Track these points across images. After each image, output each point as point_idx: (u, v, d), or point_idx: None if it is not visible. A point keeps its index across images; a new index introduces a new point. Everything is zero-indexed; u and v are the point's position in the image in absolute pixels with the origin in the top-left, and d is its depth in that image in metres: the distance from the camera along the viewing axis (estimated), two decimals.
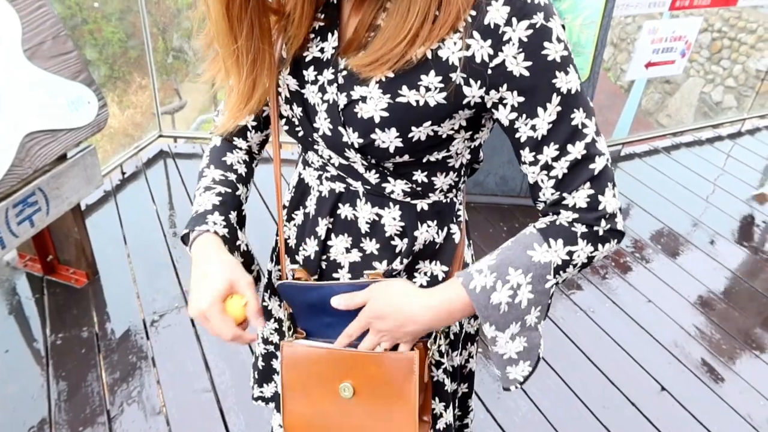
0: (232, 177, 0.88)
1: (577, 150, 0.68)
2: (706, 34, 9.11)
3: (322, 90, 0.73)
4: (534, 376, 0.81)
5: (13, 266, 2.37)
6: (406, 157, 0.72)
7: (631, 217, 3.11)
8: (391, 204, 0.79)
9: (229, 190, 0.86)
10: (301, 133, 0.79)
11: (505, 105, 0.67)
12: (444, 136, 0.71)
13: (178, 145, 3.27)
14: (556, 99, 0.65)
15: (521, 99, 0.66)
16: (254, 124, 0.89)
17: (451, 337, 0.91)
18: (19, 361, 2.01)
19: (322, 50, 0.73)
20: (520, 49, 0.63)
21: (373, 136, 0.70)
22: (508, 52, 0.63)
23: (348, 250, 0.83)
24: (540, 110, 0.66)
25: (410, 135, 0.69)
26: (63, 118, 1.96)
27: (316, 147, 0.79)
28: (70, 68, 2.03)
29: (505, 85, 0.66)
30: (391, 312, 0.74)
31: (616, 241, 0.72)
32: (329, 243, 0.84)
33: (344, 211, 0.82)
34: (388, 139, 0.69)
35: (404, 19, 0.63)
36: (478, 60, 0.64)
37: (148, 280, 2.37)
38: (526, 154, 0.70)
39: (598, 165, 0.69)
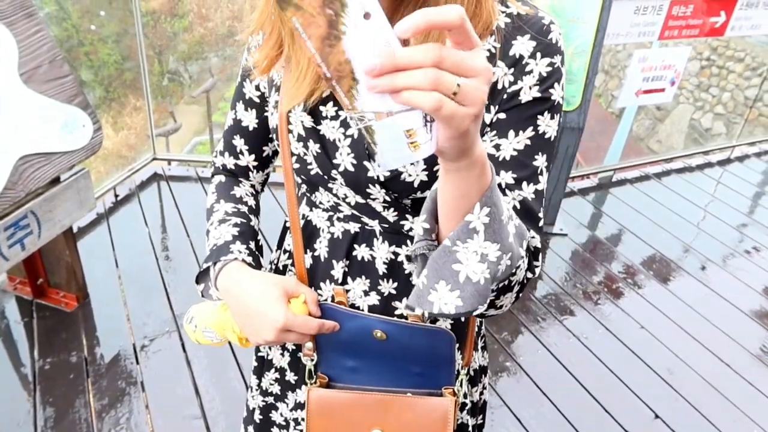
0: (244, 209, 0.87)
1: (527, 191, 0.68)
2: (695, 62, 9.27)
3: (345, 125, 0.72)
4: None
5: (3, 289, 2.35)
6: (427, 193, 0.71)
7: (623, 242, 3.12)
8: (408, 241, 0.77)
9: (244, 221, 0.85)
10: (314, 171, 0.76)
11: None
12: None
13: (172, 167, 3.27)
14: (530, 132, 0.67)
15: (503, 116, 0.68)
16: (255, 163, 0.89)
17: (471, 373, 0.89)
18: (5, 386, 1.98)
19: None
20: (537, 82, 0.67)
21: (400, 169, 0.69)
22: (527, 82, 0.67)
23: (366, 293, 0.80)
24: (511, 133, 0.67)
25: (435, 168, 0.69)
26: (57, 141, 1.96)
27: (330, 185, 0.76)
28: (66, 92, 2.04)
29: (507, 107, 0.68)
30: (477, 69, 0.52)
31: (529, 273, 0.69)
32: (346, 287, 0.81)
33: (360, 252, 0.79)
34: (415, 172, 0.69)
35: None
36: (499, 86, 0.67)
37: (139, 304, 2.35)
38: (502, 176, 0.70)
39: (541, 218, 0.70)
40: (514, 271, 0.61)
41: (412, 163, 0.68)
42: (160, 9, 17.90)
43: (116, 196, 2.98)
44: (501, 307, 0.66)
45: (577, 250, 3.00)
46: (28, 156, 1.86)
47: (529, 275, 0.67)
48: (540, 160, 0.68)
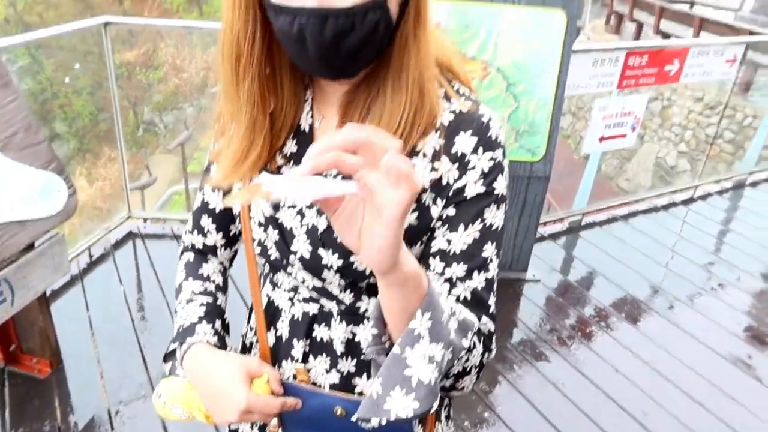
0: (211, 287, 0.90)
1: (478, 280, 0.73)
2: (657, 102, 9.63)
3: (301, 214, 0.77)
4: None
5: None
6: None
7: (595, 285, 3.19)
8: (365, 322, 0.81)
9: (211, 300, 0.88)
10: (274, 256, 0.81)
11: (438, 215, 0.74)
12: (416, 256, 0.75)
13: (147, 226, 3.28)
14: (478, 225, 0.73)
15: (453, 212, 0.73)
16: (223, 242, 0.93)
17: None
18: None
19: None
20: (480, 177, 0.72)
21: (352, 258, 0.74)
22: (471, 177, 0.72)
23: (327, 371, 0.83)
24: (461, 227, 0.73)
25: None
26: (32, 207, 1.98)
27: (289, 269, 0.80)
28: (41, 158, 2.07)
29: (454, 202, 0.73)
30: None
31: (486, 354, 0.73)
32: (308, 366, 0.84)
33: (320, 332, 0.83)
34: None
35: (387, 130, 0.69)
36: (444, 182, 0.72)
37: (114, 367, 2.33)
38: (436, 264, 0.74)
39: (492, 304, 0.75)
40: (466, 358, 0.66)
41: None
42: (135, 61, 18.08)
43: (91, 256, 2.97)
44: (463, 388, 0.71)
45: (550, 296, 3.06)
46: (2, 224, 1.87)
47: (487, 357, 0.72)
48: (489, 250, 0.73)
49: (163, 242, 3.16)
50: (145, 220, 3.32)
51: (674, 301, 3.10)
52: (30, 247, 1.98)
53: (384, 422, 0.61)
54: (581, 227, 3.76)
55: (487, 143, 0.72)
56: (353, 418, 0.62)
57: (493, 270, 0.75)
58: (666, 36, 10.44)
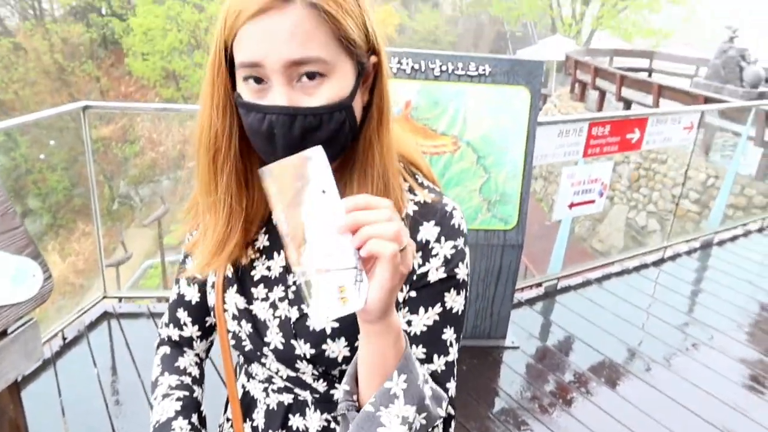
0: (188, 380, 0.91)
1: (438, 363, 0.76)
2: (624, 165, 9.97)
3: (274, 306, 0.80)
4: None
5: None
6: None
7: (573, 350, 3.21)
8: None
9: (187, 394, 0.89)
10: (248, 348, 0.83)
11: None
12: None
13: (123, 304, 3.24)
14: (438, 308, 0.76)
15: (413, 294, 0.76)
16: (199, 333, 0.95)
17: None
18: None
19: (269, 268, 0.81)
20: (442, 264, 0.76)
21: (324, 346, 0.76)
22: (434, 264, 0.76)
23: None
24: (422, 309, 0.76)
25: (356, 344, 0.76)
26: (6, 293, 1.96)
27: (263, 360, 0.82)
28: (16, 243, 2.07)
29: (417, 287, 0.77)
30: None
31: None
32: None
33: (295, 422, 0.84)
34: (337, 348, 0.76)
35: None
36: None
37: None
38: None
39: (451, 388, 0.77)
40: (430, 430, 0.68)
41: (334, 340, 0.76)
42: (111, 136, 18.22)
43: (64, 338, 2.91)
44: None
45: (529, 362, 3.06)
46: None
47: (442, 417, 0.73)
48: (448, 334, 0.77)
49: (139, 321, 3.12)
50: (120, 299, 3.28)
51: (651, 363, 3.13)
52: (2, 333, 1.95)
53: None
54: (557, 291, 3.82)
55: (449, 232, 0.77)
56: None
57: (453, 354, 0.77)
58: (628, 102, 10.93)
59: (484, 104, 2.76)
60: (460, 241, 0.78)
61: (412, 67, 2.68)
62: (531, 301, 3.68)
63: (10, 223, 2.08)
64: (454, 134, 2.78)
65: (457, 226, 0.78)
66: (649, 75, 14.31)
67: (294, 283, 0.79)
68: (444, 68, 2.69)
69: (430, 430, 0.68)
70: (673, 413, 2.73)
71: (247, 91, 0.69)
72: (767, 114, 7.10)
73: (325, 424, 0.83)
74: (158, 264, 11.70)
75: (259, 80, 0.68)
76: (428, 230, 0.77)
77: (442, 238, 0.77)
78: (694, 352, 3.27)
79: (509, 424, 2.59)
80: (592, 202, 3.68)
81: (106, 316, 3.13)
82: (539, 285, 3.87)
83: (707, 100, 8.50)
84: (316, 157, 0.59)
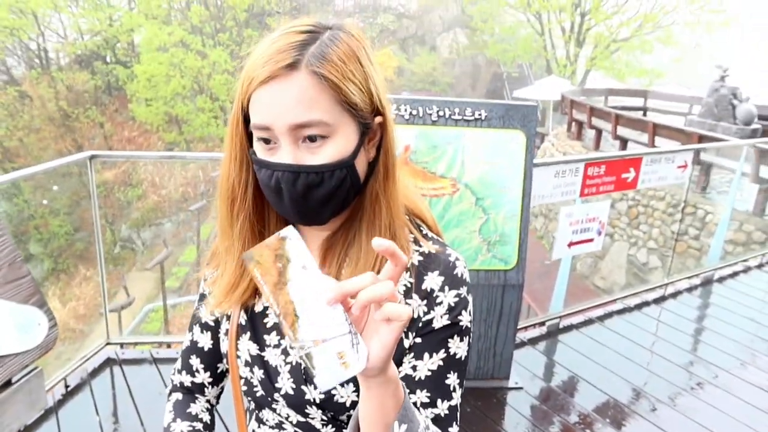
0: (199, 426, 0.93)
1: (441, 408, 0.79)
2: (623, 202, 10.04)
3: (285, 353, 0.83)
4: None
5: None
6: None
7: (577, 390, 3.19)
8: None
9: None
10: (259, 393, 0.86)
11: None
12: None
13: (126, 351, 3.24)
14: (442, 354, 0.80)
15: (419, 340, 0.80)
16: (210, 380, 0.97)
17: None
18: None
19: None
20: (446, 311, 0.80)
21: (333, 392, 0.79)
22: (438, 311, 0.80)
23: None
24: (426, 356, 0.79)
25: None
26: (12, 342, 1.98)
27: (274, 406, 0.85)
28: (23, 293, 2.10)
29: (421, 333, 0.80)
30: None
31: None
32: None
33: None
34: (346, 393, 0.79)
35: (362, 271, 0.78)
36: (415, 316, 0.80)
37: None
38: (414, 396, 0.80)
39: (453, 430, 0.80)
40: None
41: (343, 385, 0.79)
42: (114, 180, 18.40)
43: (67, 387, 2.90)
44: None
45: (533, 403, 3.04)
46: None
47: None
48: (452, 379, 0.80)
49: (141, 367, 3.11)
50: (121, 345, 3.28)
51: (656, 402, 3.10)
52: (7, 383, 1.97)
53: None
54: (559, 330, 3.81)
55: (453, 281, 0.81)
56: None
57: (456, 398, 0.80)
58: (624, 141, 11.08)
59: (481, 147, 2.83)
60: (463, 290, 0.82)
61: (410, 113, 2.76)
62: (534, 341, 3.68)
63: (17, 273, 2.12)
64: (452, 176, 2.83)
65: (460, 276, 0.82)
66: (644, 113, 14.53)
67: None
68: (441, 113, 2.77)
69: None
70: None
71: (260, 149, 0.76)
72: (761, 151, 7.19)
73: None
74: (160, 308, 11.67)
75: (268, 141, 0.75)
76: (433, 280, 0.81)
77: (446, 287, 0.81)
78: (699, 391, 3.25)
79: None
80: (591, 240, 3.72)
81: (108, 362, 3.13)
82: (542, 324, 3.87)
83: (702, 138, 8.63)
84: (290, 236, 0.63)
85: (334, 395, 0.80)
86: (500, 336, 3.04)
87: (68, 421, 2.69)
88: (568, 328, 3.86)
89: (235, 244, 0.82)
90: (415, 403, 0.79)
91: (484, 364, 3.11)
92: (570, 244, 3.62)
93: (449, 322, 0.80)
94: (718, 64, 11.47)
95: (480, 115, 2.79)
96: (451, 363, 0.80)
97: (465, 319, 0.81)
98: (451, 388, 0.80)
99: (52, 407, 2.76)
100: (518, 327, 3.15)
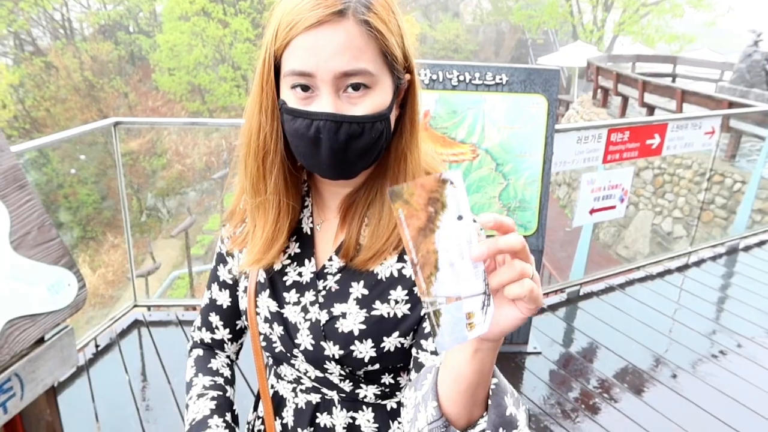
0: (221, 381, 0.96)
1: None
2: (648, 170, 9.86)
3: (305, 310, 0.84)
4: None
5: None
6: (377, 366, 0.82)
7: (597, 357, 3.21)
8: (364, 407, 0.87)
9: (221, 393, 0.94)
10: (278, 349, 0.87)
11: None
12: (407, 347, 0.83)
13: (152, 313, 3.34)
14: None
15: None
16: (230, 336, 1.00)
17: None
18: None
19: (300, 274, 0.86)
20: None
21: (352, 347, 0.81)
22: None
23: None
24: None
25: (382, 345, 0.80)
26: (43, 302, 2.05)
27: (293, 361, 0.87)
28: (53, 254, 2.17)
29: None
30: None
31: None
32: None
33: (323, 419, 0.89)
34: (364, 349, 0.81)
35: (384, 228, 0.80)
36: None
37: None
38: (428, 344, 0.79)
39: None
40: None
41: (361, 341, 0.80)
42: (139, 149, 18.61)
43: (97, 346, 3.01)
44: None
45: (551, 368, 3.07)
46: (15, 319, 1.94)
47: None
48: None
49: (168, 329, 3.21)
50: (149, 308, 3.38)
51: (677, 369, 3.11)
52: (40, 340, 2.04)
53: None
54: (579, 297, 3.81)
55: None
56: None
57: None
58: (651, 108, 10.82)
59: (501, 112, 2.80)
60: None
61: (430, 78, 2.73)
62: (553, 307, 3.68)
63: (47, 235, 2.18)
64: (472, 142, 2.82)
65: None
66: (673, 80, 14.15)
67: (324, 287, 0.84)
68: (461, 78, 2.74)
69: None
70: (699, 421, 2.71)
71: (293, 98, 0.74)
72: None
73: (350, 421, 0.88)
74: (185, 275, 11.88)
75: (306, 88, 0.73)
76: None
77: None
78: (721, 359, 3.24)
79: (532, 429, 2.60)
80: (613, 207, 3.68)
81: (136, 324, 3.23)
82: (562, 291, 3.87)
83: (732, 105, 8.39)
84: (454, 181, 0.57)
85: (352, 351, 0.81)
86: None
87: (99, 378, 2.80)
88: (589, 295, 3.85)
89: (271, 200, 0.81)
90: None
91: None
92: (592, 211, 3.59)
93: None
94: (752, 28, 11.07)
95: (501, 79, 2.76)
96: None
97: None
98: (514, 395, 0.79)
99: (84, 365, 2.87)
100: None
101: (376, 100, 0.73)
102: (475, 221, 0.57)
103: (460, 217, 0.56)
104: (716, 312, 3.78)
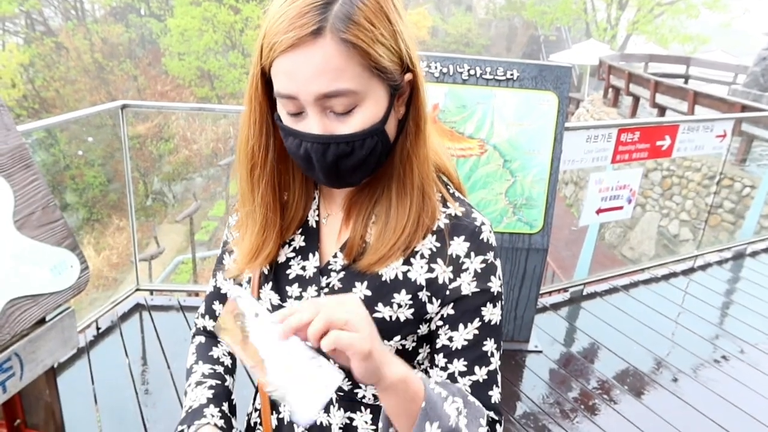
0: (220, 369, 0.95)
1: (480, 374, 0.79)
2: (656, 172, 9.81)
3: None
4: None
5: None
6: None
7: (598, 358, 3.19)
8: (362, 408, 0.86)
9: (219, 382, 0.93)
10: None
11: (438, 314, 0.80)
12: (410, 349, 0.83)
13: (154, 297, 3.34)
14: (477, 323, 0.79)
15: (452, 312, 0.79)
16: None
17: None
18: None
19: (303, 268, 0.84)
20: (474, 278, 0.79)
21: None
22: (465, 278, 0.79)
23: None
24: (461, 326, 0.79)
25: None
26: (46, 283, 2.05)
27: None
28: (56, 235, 2.17)
29: (452, 303, 0.79)
30: (355, 307, 0.66)
31: None
32: None
33: (319, 418, 0.87)
34: None
35: (392, 231, 0.79)
36: (440, 282, 0.79)
37: None
38: (440, 359, 0.81)
39: (494, 395, 0.80)
40: None
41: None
42: (147, 133, 18.64)
43: (98, 328, 3.01)
44: None
45: (552, 367, 3.06)
46: (17, 299, 1.94)
47: None
48: (489, 345, 0.80)
49: (169, 314, 3.21)
50: (151, 292, 3.38)
51: (678, 373, 3.09)
52: (41, 321, 2.04)
53: None
54: (583, 297, 3.79)
55: (478, 247, 0.80)
56: None
57: (494, 363, 0.80)
58: (662, 109, 10.74)
59: (511, 108, 2.77)
60: (490, 255, 0.80)
61: (441, 71, 2.71)
62: (556, 306, 3.67)
63: (51, 216, 2.18)
64: (480, 137, 2.80)
65: (486, 241, 0.80)
66: (686, 81, 14.04)
67: (327, 285, 0.83)
68: (472, 72, 2.71)
69: None
70: (699, 425, 2.69)
71: (285, 115, 0.73)
72: None
73: (347, 421, 0.86)
74: (189, 260, 11.92)
75: (295, 109, 0.72)
76: (458, 245, 0.79)
77: (472, 254, 0.79)
78: (724, 364, 3.21)
79: (529, 428, 2.60)
80: (621, 208, 3.65)
81: (138, 307, 3.23)
82: (565, 290, 3.86)
83: (744, 108, 8.31)
84: (239, 295, 0.69)
85: None
86: (522, 299, 3.04)
87: (99, 360, 2.80)
88: (592, 296, 3.83)
89: (257, 210, 0.81)
90: (452, 373, 0.79)
91: (504, 326, 3.12)
92: (599, 211, 3.56)
93: (478, 289, 0.79)
94: (767, 31, 10.95)
95: (512, 75, 2.73)
96: (487, 330, 0.79)
97: (495, 284, 0.80)
98: (489, 354, 0.80)
99: (84, 347, 2.87)
100: (541, 292, 3.14)
101: (366, 114, 0.71)
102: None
103: (256, 315, 0.67)
104: (720, 317, 3.75)
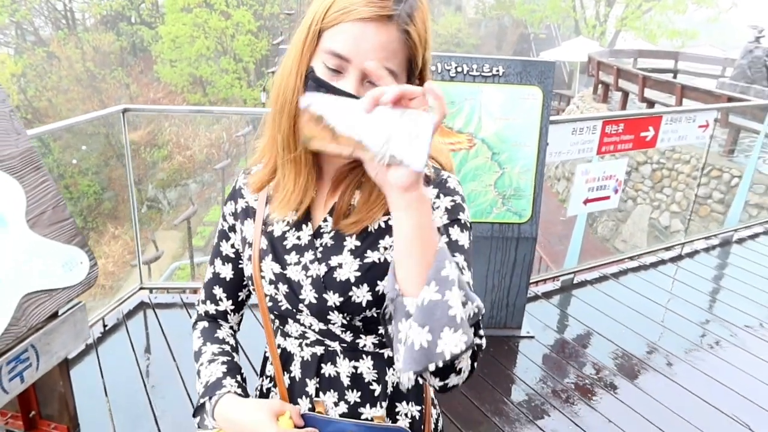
0: (228, 348, 1.06)
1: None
2: (647, 165, 9.95)
3: (305, 268, 0.94)
4: None
5: None
6: (374, 311, 0.91)
7: (591, 344, 3.30)
8: (364, 356, 0.97)
9: (230, 359, 1.03)
10: (284, 307, 0.96)
11: None
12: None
13: (157, 296, 3.43)
14: (444, 239, 0.88)
15: None
16: (233, 307, 1.09)
17: None
18: None
19: (299, 238, 0.95)
20: (444, 212, 0.90)
21: (350, 293, 0.90)
22: (437, 214, 0.90)
23: (336, 404, 0.97)
24: None
25: (377, 289, 0.90)
26: (58, 278, 2.15)
27: (298, 316, 0.96)
28: (66, 233, 2.26)
29: None
30: None
31: (478, 340, 0.83)
32: (318, 399, 0.98)
33: (327, 369, 0.98)
34: (362, 294, 0.90)
35: (373, 199, 0.90)
36: None
37: None
38: None
39: (476, 299, 0.86)
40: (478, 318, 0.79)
41: (358, 286, 0.90)
42: (140, 140, 18.68)
43: (105, 325, 3.11)
44: (460, 371, 0.81)
45: (545, 352, 3.17)
46: (32, 293, 2.04)
47: (477, 341, 0.83)
48: (458, 258, 0.87)
49: (173, 311, 3.31)
50: (151, 291, 3.47)
51: (670, 356, 3.19)
52: (54, 315, 2.14)
53: (440, 364, 0.72)
54: (573, 285, 3.91)
55: (446, 191, 0.92)
56: (405, 374, 0.73)
57: (467, 276, 0.87)
58: (651, 103, 10.89)
59: (498, 103, 2.89)
60: (458, 198, 0.92)
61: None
62: (547, 295, 3.78)
63: (61, 215, 2.27)
64: (469, 132, 2.91)
65: (452, 187, 0.93)
66: (675, 76, 14.20)
67: (321, 245, 0.94)
68: (459, 69, 2.83)
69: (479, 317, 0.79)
70: (692, 406, 2.78)
71: (322, 70, 0.83)
72: None
73: (353, 370, 0.97)
74: (186, 266, 11.98)
75: (336, 68, 0.82)
76: (429, 192, 0.91)
77: (442, 195, 0.91)
78: (715, 348, 3.31)
79: (523, 408, 2.70)
80: (608, 198, 3.77)
81: (142, 305, 3.33)
82: (556, 279, 3.97)
83: (731, 100, 8.46)
84: (309, 103, 0.73)
85: (351, 296, 0.90)
86: (513, 287, 3.15)
87: (107, 355, 2.90)
88: (582, 284, 3.95)
89: (301, 156, 0.88)
90: None
91: (497, 313, 3.23)
92: (586, 201, 3.68)
93: (449, 220, 0.90)
94: (753, 24, 11.13)
95: (497, 71, 2.84)
96: (454, 247, 0.88)
97: (464, 216, 0.91)
98: (459, 266, 0.87)
99: (92, 343, 2.97)
100: (532, 281, 3.24)
101: None
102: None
103: (333, 108, 0.73)
104: (709, 302, 3.87)
